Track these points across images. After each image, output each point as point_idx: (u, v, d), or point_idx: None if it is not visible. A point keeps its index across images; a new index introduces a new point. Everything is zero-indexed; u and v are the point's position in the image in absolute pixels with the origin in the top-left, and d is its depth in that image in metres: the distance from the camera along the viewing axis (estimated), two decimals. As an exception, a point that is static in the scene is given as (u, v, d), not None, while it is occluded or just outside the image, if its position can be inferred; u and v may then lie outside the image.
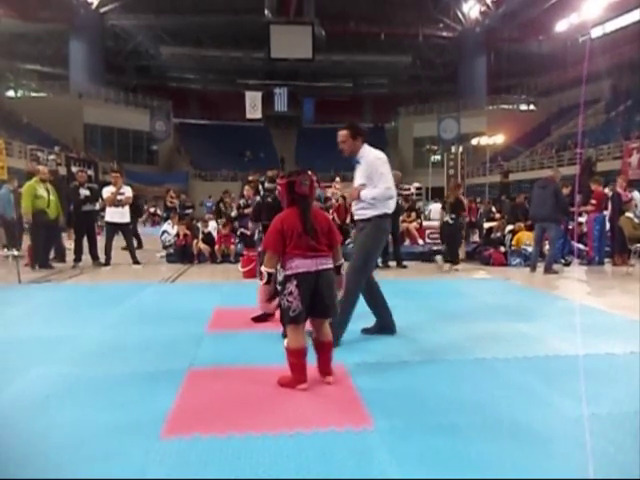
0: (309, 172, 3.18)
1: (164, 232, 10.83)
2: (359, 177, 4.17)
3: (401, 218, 11.73)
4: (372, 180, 4.05)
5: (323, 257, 3.10)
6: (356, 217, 4.31)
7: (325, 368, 3.23)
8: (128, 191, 9.26)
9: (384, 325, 4.42)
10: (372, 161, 4.10)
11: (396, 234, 9.14)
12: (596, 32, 29.93)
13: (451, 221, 8.81)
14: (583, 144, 24.35)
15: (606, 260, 9.48)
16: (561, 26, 33.28)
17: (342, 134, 4.21)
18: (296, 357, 3.10)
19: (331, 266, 3.17)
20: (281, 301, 3.12)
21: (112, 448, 2.37)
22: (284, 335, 3.54)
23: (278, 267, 3.21)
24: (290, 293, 3.03)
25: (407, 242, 11.47)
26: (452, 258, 8.60)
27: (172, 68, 42.88)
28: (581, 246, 9.91)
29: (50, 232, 8.70)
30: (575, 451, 2.34)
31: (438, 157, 29.04)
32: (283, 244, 3.03)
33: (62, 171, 22.83)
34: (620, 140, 22.97)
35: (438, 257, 8.97)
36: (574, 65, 27.59)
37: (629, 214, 8.83)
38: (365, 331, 4.40)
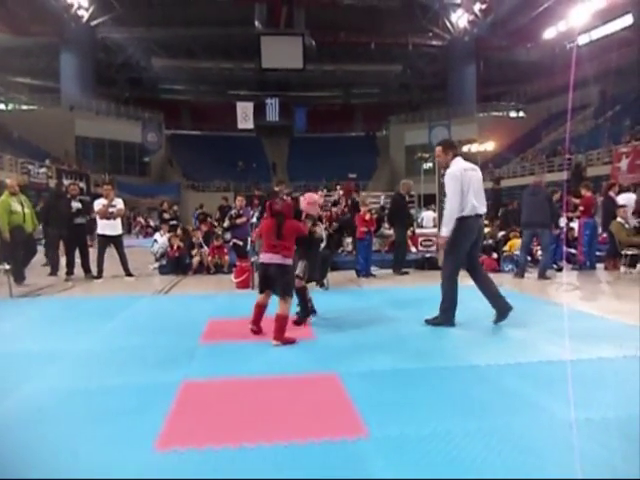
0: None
1: (154, 241, 10.85)
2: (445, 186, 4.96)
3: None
4: (444, 191, 4.94)
5: (275, 254, 4.44)
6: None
7: (275, 334, 4.39)
8: (120, 203, 9.23)
9: (501, 311, 4.96)
10: (447, 175, 4.91)
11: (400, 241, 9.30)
12: (583, 39, 30.30)
13: None
14: (572, 150, 24.57)
15: (597, 265, 9.54)
16: (549, 34, 33.66)
17: (437, 149, 5.10)
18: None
19: (278, 262, 4.43)
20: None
21: (106, 461, 2.36)
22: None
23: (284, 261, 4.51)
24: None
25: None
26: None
27: (164, 80, 42.93)
28: (572, 251, 9.98)
29: (29, 246, 8.59)
30: (568, 456, 2.35)
31: (430, 165, 29.19)
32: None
33: (52, 184, 22.80)
34: (609, 145, 23.19)
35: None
36: (562, 72, 27.90)
37: (620, 219, 8.91)
38: (497, 321, 5.00)
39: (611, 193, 9.82)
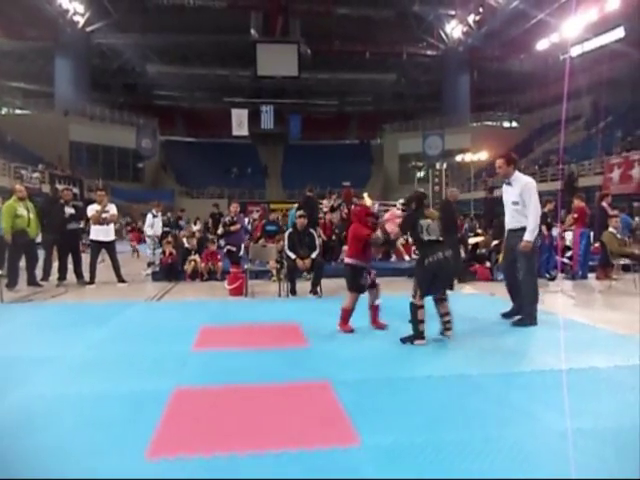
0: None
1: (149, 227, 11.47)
2: (512, 195, 5.39)
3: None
4: (523, 199, 5.27)
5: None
6: (512, 226, 5.50)
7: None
8: (113, 209, 9.20)
9: (519, 310, 5.49)
10: (524, 184, 5.32)
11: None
12: (576, 51, 30.62)
13: None
14: (564, 160, 24.75)
15: (590, 274, 9.59)
16: (542, 45, 34.00)
17: (499, 161, 5.55)
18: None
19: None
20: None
21: (96, 469, 2.34)
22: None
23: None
24: None
25: (393, 258, 11.51)
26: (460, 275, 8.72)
27: (159, 86, 42.96)
28: (565, 260, 10.02)
29: (32, 251, 8.60)
30: (561, 466, 2.35)
31: (423, 173, 29.33)
32: None
33: (45, 189, 22.66)
34: (601, 156, 23.38)
35: None
36: (555, 83, 28.20)
37: (612, 229, 8.96)
38: (504, 315, 5.61)
39: (603, 203, 9.89)
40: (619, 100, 28.48)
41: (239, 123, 37.98)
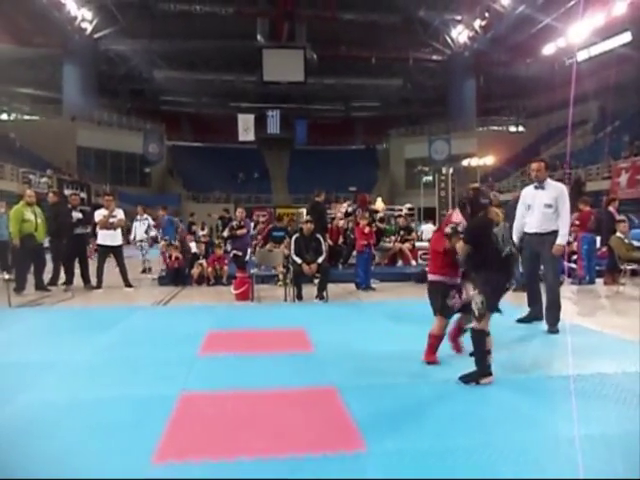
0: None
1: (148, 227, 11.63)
2: (546, 199, 5.40)
3: (394, 238, 11.82)
4: (557, 202, 5.34)
5: None
6: (541, 230, 5.42)
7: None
8: (120, 214, 9.26)
9: (536, 315, 5.65)
10: (562, 190, 5.47)
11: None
12: (582, 55, 30.54)
13: None
14: (571, 165, 24.65)
15: (597, 279, 9.53)
16: (548, 49, 33.94)
17: (538, 165, 5.56)
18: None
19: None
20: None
21: (103, 474, 2.35)
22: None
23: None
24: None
25: (400, 263, 11.50)
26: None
27: (165, 91, 43.17)
28: (572, 265, 9.97)
29: (39, 255, 8.67)
30: (569, 472, 2.34)
31: (430, 178, 29.29)
32: None
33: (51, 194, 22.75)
34: (608, 160, 23.28)
35: None
36: (561, 87, 28.08)
37: (620, 234, 8.91)
38: (519, 321, 5.65)
39: (610, 208, 9.84)
40: (626, 105, 28.36)
41: (245, 128, 38.09)
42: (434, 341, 4.12)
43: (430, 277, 4.25)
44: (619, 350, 4.50)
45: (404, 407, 3.21)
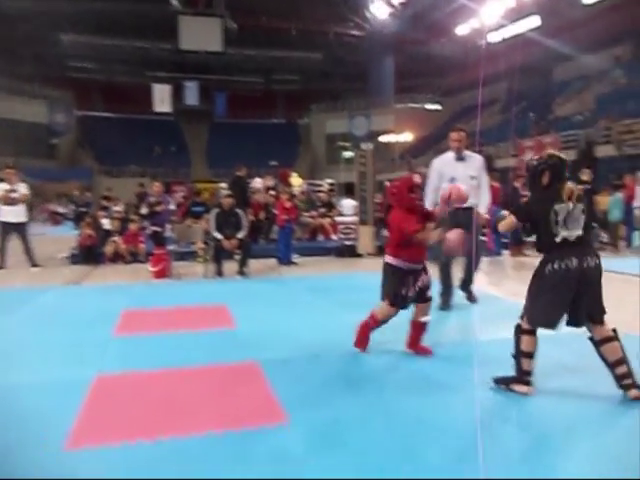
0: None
1: None
2: (470, 170, 5.22)
3: (314, 214, 11.92)
4: (481, 175, 5.35)
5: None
6: (469, 204, 4.35)
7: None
8: (23, 188, 8.63)
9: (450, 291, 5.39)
10: (482, 161, 5.50)
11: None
12: (494, 37, 31.81)
13: None
14: (482, 142, 25.85)
15: (504, 251, 10.16)
16: (462, 30, 35.03)
17: (460, 135, 5.34)
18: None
19: None
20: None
21: (10, 462, 2.23)
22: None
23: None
24: None
25: (321, 237, 11.64)
26: None
27: (73, 57, 40.22)
28: (482, 238, 10.53)
29: None
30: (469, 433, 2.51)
31: (350, 153, 29.66)
32: None
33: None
34: (515, 139, 24.64)
35: None
36: (474, 67, 29.23)
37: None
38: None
39: (516, 184, 10.47)
40: (532, 86, 30.06)
41: (161, 99, 36.52)
42: (372, 323, 3.72)
43: (388, 259, 3.69)
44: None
45: (326, 378, 3.28)
